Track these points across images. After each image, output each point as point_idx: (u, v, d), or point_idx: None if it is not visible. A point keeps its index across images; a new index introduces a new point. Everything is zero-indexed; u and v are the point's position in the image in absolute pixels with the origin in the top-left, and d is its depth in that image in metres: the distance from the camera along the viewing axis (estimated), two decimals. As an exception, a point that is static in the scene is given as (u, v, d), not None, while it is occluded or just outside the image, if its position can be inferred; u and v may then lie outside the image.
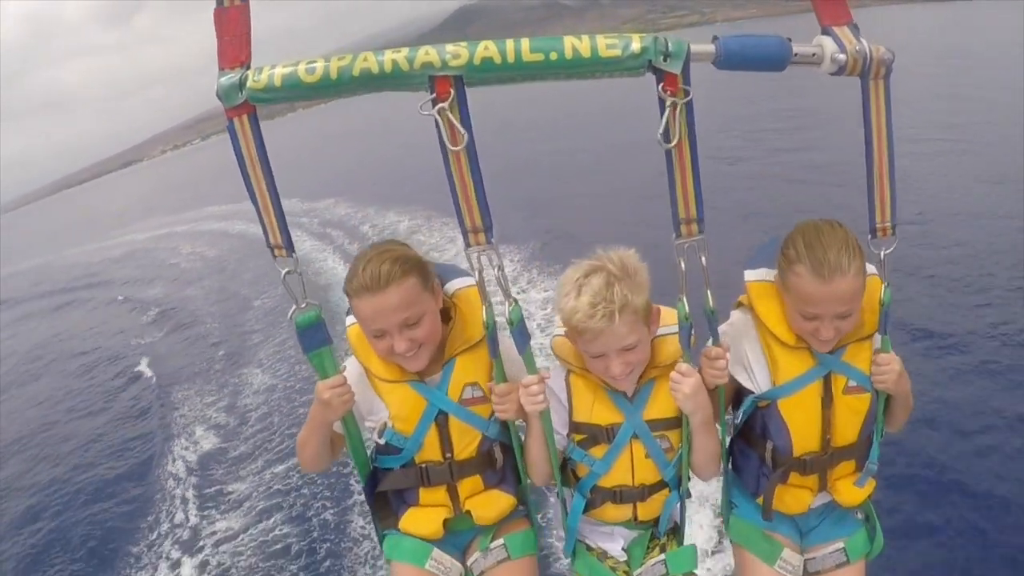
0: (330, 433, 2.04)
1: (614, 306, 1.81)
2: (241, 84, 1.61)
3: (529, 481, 2.20)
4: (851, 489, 2.09)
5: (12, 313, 18.48)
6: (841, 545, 2.17)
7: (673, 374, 1.93)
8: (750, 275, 2.08)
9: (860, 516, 2.24)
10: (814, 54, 1.69)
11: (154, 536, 6.13)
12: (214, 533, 5.87)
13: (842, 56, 1.65)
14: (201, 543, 5.81)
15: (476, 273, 1.78)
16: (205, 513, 6.19)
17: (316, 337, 1.88)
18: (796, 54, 1.67)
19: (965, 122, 15.01)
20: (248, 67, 1.64)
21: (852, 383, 2.00)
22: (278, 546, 5.45)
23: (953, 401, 5.47)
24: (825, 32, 1.70)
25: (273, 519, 5.83)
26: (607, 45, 1.58)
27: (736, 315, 2.10)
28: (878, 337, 2.00)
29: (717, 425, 2.08)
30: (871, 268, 1.96)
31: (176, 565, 5.65)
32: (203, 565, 5.54)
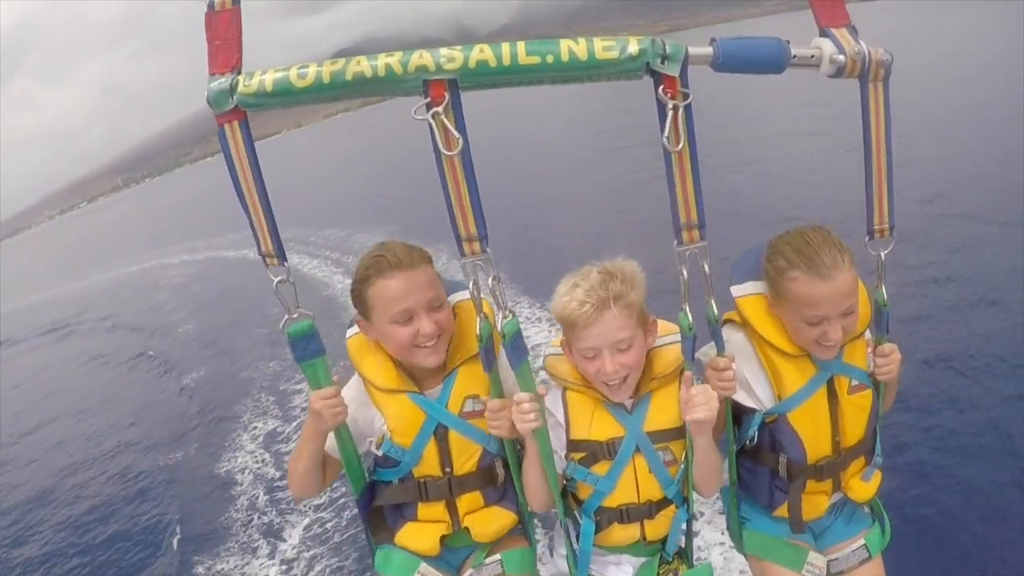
0: (323, 448, 1.99)
1: (608, 294, 1.82)
2: (232, 89, 1.58)
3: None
4: (862, 485, 2.10)
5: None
6: (862, 542, 2.18)
7: (689, 392, 1.84)
8: (737, 291, 2.06)
9: (867, 510, 2.25)
10: (812, 56, 1.66)
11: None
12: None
13: (841, 57, 1.63)
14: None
15: (471, 285, 1.73)
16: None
17: (309, 347, 1.84)
18: (795, 56, 1.65)
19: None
20: (239, 72, 1.61)
21: (855, 382, 2.01)
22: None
23: (938, 387, 5.51)
24: (823, 34, 1.68)
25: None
26: (604, 47, 1.56)
27: (727, 333, 2.02)
28: (867, 332, 2.02)
29: (721, 438, 2.05)
30: None
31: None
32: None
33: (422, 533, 2.07)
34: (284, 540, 5.78)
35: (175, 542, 6.23)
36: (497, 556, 2.12)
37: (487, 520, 2.07)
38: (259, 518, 6.18)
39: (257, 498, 6.53)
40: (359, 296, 1.96)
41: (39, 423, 10.76)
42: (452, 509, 2.06)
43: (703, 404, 1.81)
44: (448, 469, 2.01)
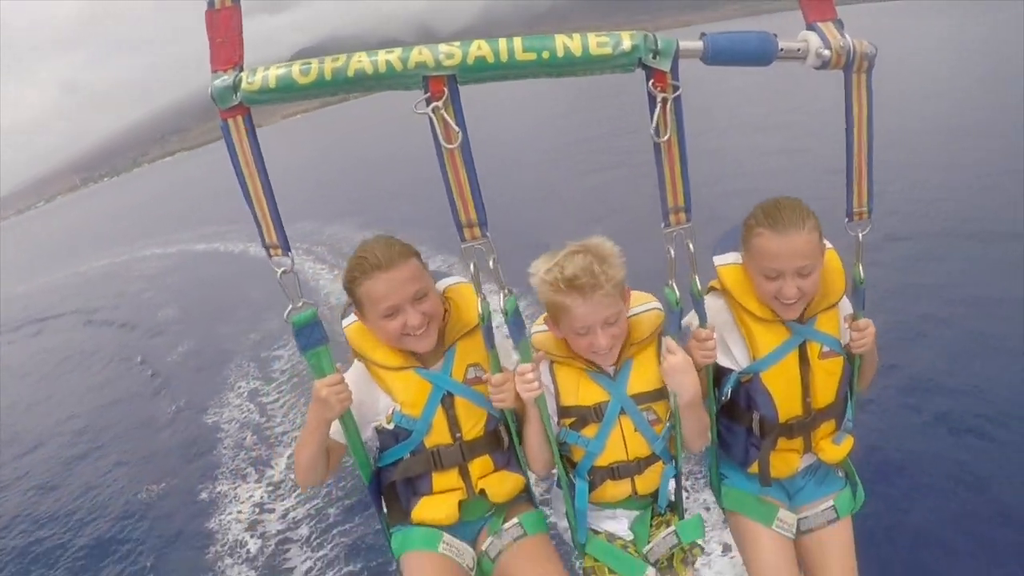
0: (327, 437, 2.05)
1: (598, 279, 1.92)
2: (235, 86, 1.61)
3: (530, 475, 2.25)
4: (833, 447, 2.24)
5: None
6: (831, 503, 2.31)
7: (664, 352, 2.04)
8: (719, 260, 2.21)
9: (841, 474, 2.38)
10: (799, 49, 1.73)
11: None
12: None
13: (826, 52, 1.69)
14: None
15: (471, 267, 1.81)
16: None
17: (313, 336, 1.89)
18: (782, 49, 1.71)
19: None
20: (241, 68, 1.64)
21: (826, 348, 2.15)
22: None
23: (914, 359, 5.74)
24: (810, 28, 1.74)
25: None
26: (598, 43, 1.61)
27: (709, 300, 2.16)
28: (844, 304, 2.17)
29: (705, 402, 2.18)
30: (828, 244, 2.11)
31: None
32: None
33: (439, 503, 2.15)
34: (271, 467, 6.64)
35: (174, 477, 7.00)
36: (515, 520, 2.23)
37: (500, 481, 2.18)
38: (246, 453, 7.03)
39: (245, 439, 7.32)
40: (351, 294, 2.05)
41: (35, 399, 11.12)
42: (465, 474, 2.16)
43: (680, 372, 2.00)
44: (458, 435, 2.11)
